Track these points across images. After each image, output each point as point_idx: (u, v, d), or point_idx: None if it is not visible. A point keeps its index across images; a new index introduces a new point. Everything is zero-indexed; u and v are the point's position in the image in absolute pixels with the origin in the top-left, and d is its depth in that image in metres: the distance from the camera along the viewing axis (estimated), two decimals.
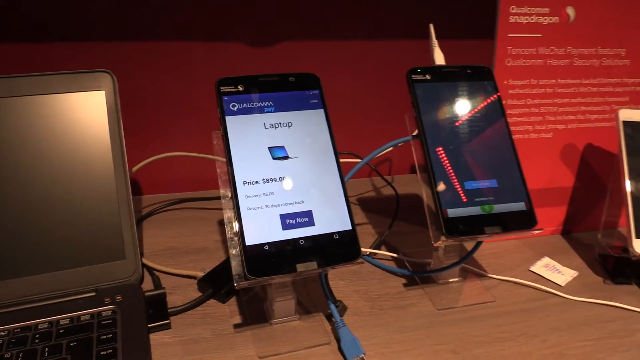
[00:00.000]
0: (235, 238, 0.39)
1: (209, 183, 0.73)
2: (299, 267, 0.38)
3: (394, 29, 0.74)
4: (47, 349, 0.41)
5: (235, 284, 0.38)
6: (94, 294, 0.48)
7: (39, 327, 0.43)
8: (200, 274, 0.52)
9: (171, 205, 0.68)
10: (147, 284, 0.52)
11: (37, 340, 0.42)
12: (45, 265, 0.47)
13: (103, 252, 0.49)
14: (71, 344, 0.42)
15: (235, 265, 0.39)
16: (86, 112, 0.51)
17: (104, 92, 0.52)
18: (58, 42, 0.63)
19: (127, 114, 0.54)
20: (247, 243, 0.38)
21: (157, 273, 0.53)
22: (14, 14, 0.61)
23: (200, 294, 0.50)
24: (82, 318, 0.45)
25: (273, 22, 0.69)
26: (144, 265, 0.53)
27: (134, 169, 0.62)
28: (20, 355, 0.41)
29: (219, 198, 0.68)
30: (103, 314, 0.45)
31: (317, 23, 0.71)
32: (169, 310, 0.47)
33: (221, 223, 0.64)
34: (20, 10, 0.61)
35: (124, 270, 0.49)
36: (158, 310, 0.47)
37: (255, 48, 0.70)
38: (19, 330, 0.43)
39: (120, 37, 0.65)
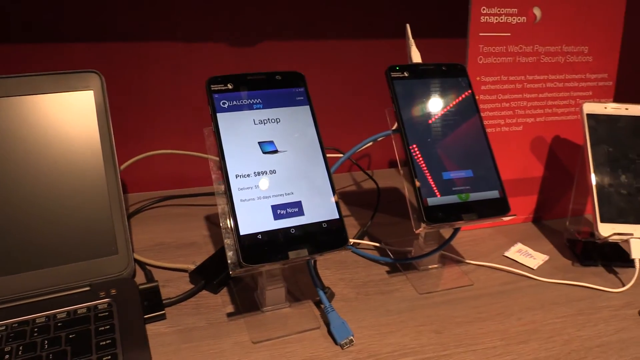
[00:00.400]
0: (230, 228, 0.41)
1: (193, 180, 0.75)
2: (290, 254, 0.41)
3: (372, 29, 0.77)
4: (46, 341, 0.42)
5: (230, 272, 0.41)
6: (88, 288, 0.49)
7: (37, 322, 0.45)
8: (192, 266, 0.53)
9: (157, 202, 0.69)
10: (140, 279, 0.53)
11: (35, 334, 0.43)
12: (39, 262, 0.48)
13: (96, 248, 0.50)
14: (70, 336, 0.43)
15: (231, 255, 0.41)
16: (76, 111, 0.52)
17: (92, 91, 0.54)
18: (45, 43, 0.63)
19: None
20: (242, 233, 0.40)
21: (148, 267, 0.55)
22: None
23: (192, 286, 0.52)
24: (79, 311, 0.46)
25: (254, 23, 0.71)
26: (135, 261, 0.55)
27: (122, 166, 0.63)
28: (21, 348, 0.42)
29: (203, 195, 0.71)
30: (99, 307, 0.47)
31: (297, 24, 0.73)
32: (163, 302, 0.48)
33: (208, 218, 0.66)
34: (6, 11, 0.61)
35: (117, 264, 0.51)
36: (153, 301, 0.49)
37: (237, 48, 0.71)
38: (16, 325, 0.44)
39: (105, 39, 0.66)
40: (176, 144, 0.72)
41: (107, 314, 0.46)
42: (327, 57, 0.76)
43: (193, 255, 0.57)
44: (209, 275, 0.52)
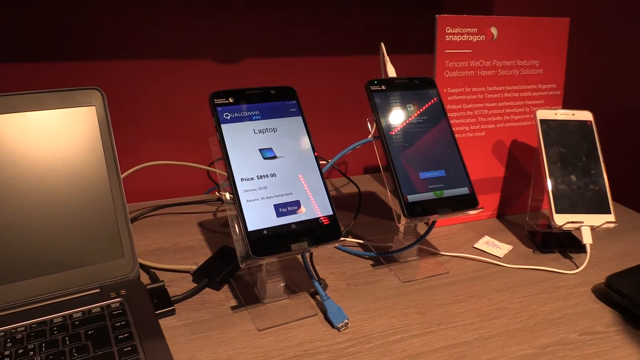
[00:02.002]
0: (238, 226, 0.46)
1: (181, 190, 0.79)
2: (293, 246, 0.46)
3: (349, 47, 0.84)
4: (67, 338, 0.46)
5: (240, 265, 0.45)
6: (98, 290, 0.52)
7: (55, 321, 0.48)
8: (194, 267, 0.58)
9: (151, 211, 0.73)
10: (144, 281, 0.57)
11: (55, 332, 0.46)
12: (52, 267, 0.52)
13: (104, 253, 0.54)
14: (89, 332, 0.46)
15: (240, 249, 0.46)
16: (80, 125, 0.56)
17: (94, 107, 0.57)
18: (48, 62, 0.67)
19: None
20: (249, 229, 0.45)
21: (152, 270, 0.58)
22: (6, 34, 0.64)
23: (194, 285, 0.56)
24: (93, 311, 0.49)
25: (238, 42, 0.76)
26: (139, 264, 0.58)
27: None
28: (43, 345, 0.45)
29: (193, 203, 0.75)
30: (112, 306, 0.50)
31: (278, 43, 0.79)
32: (172, 299, 0.52)
33: (200, 224, 0.70)
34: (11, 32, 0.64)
35: (124, 267, 0.54)
36: (161, 299, 0.53)
37: (223, 65, 0.77)
38: (35, 325, 0.47)
39: (103, 57, 0.70)
40: (166, 156, 0.76)
41: (120, 311, 0.49)
42: (306, 73, 0.82)
43: (191, 257, 0.61)
44: (211, 273, 0.56)
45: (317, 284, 0.53)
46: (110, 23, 0.69)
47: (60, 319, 0.48)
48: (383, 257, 0.62)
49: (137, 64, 0.72)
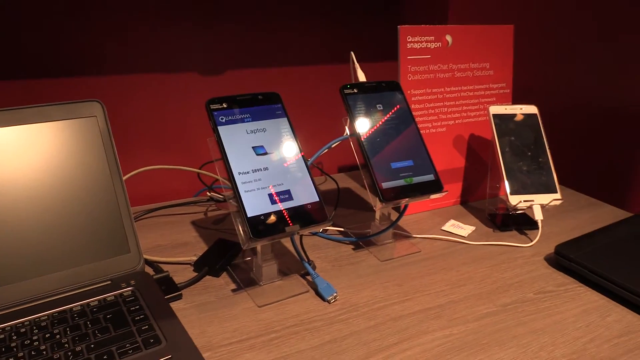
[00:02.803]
0: (238, 213, 0.53)
1: (171, 194, 0.84)
2: (287, 229, 0.53)
3: (323, 57, 0.92)
4: (88, 322, 0.51)
5: (242, 246, 0.52)
6: (109, 282, 0.58)
7: (74, 310, 0.53)
8: (194, 258, 0.64)
9: (146, 214, 0.78)
10: (150, 273, 0.62)
11: (76, 318, 0.52)
12: (66, 264, 0.57)
13: (112, 248, 0.59)
14: (107, 316, 0.52)
15: (241, 232, 0.52)
16: (84, 135, 0.62)
17: (96, 117, 0.63)
18: (51, 78, 0.72)
19: None
20: (249, 215, 0.52)
21: (155, 263, 0.64)
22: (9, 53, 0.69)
23: (195, 274, 0.62)
24: (108, 299, 0.55)
25: (221, 55, 0.83)
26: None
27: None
28: (68, 329, 0.50)
29: (185, 204, 0.81)
30: (124, 294, 0.56)
31: (256, 55, 0.86)
32: (178, 285, 0.58)
33: (194, 222, 0.76)
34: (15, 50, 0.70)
35: (131, 261, 0.60)
36: (168, 286, 0.58)
37: (208, 76, 0.83)
38: (57, 314, 0.52)
39: (98, 73, 0.75)
40: (156, 162, 0.81)
41: (133, 298, 0.55)
42: (284, 81, 0.90)
43: (189, 251, 0.67)
44: (210, 262, 0.62)
45: (307, 264, 0.60)
46: (106, 44, 0.75)
47: (79, 307, 0.53)
48: (362, 241, 0.70)
49: (129, 78, 0.78)
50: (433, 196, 0.65)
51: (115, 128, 0.74)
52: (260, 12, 0.85)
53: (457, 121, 0.82)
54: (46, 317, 0.52)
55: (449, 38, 0.78)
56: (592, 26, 1.07)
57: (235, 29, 0.84)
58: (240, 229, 0.53)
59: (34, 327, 0.50)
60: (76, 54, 0.74)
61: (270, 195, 0.54)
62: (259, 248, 0.58)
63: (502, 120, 0.77)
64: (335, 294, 0.57)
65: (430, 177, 0.66)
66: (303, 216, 0.55)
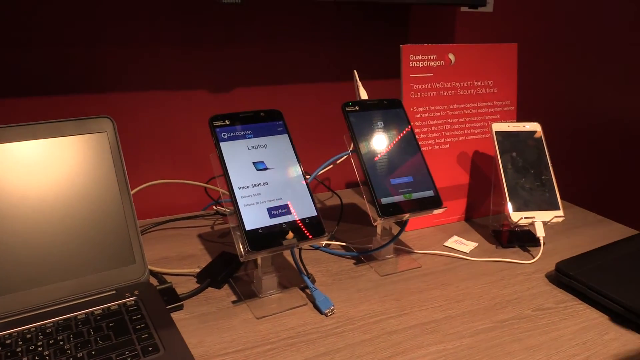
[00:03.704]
0: (237, 226, 0.54)
1: (178, 208, 0.87)
2: (284, 242, 0.54)
3: (327, 75, 0.94)
4: (91, 330, 0.53)
5: (240, 259, 0.53)
6: (114, 292, 0.59)
7: (78, 317, 0.55)
8: (197, 269, 0.65)
9: (153, 227, 0.80)
10: (154, 284, 0.64)
11: (80, 326, 0.54)
12: (73, 273, 0.59)
13: (118, 259, 0.61)
14: (110, 324, 0.54)
15: (240, 246, 0.54)
16: (94, 149, 0.64)
17: (106, 133, 0.66)
18: (63, 95, 0.76)
19: None
20: (247, 228, 0.54)
21: (160, 274, 0.66)
22: (21, 73, 0.73)
23: (198, 285, 0.63)
24: (112, 308, 0.57)
25: (228, 73, 0.86)
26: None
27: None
28: (71, 336, 0.52)
29: (193, 218, 0.83)
30: (128, 303, 0.57)
31: (265, 73, 0.89)
32: (180, 296, 0.60)
33: (200, 236, 0.78)
34: (25, 68, 0.73)
35: (136, 272, 0.62)
36: (170, 297, 0.60)
37: (216, 94, 0.86)
38: (62, 321, 0.54)
39: (110, 90, 0.79)
40: (166, 177, 0.84)
41: (135, 307, 0.57)
42: (290, 99, 0.92)
43: (194, 263, 0.69)
44: (213, 274, 0.64)
45: (305, 277, 0.61)
46: (118, 62, 0.78)
47: (83, 316, 0.55)
48: (364, 255, 0.71)
49: (139, 95, 0.81)
50: (432, 212, 0.66)
51: (125, 143, 0.77)
52: (267, 33, 0.88)
53: (460, 138, 0.83)
54: (52, 324, 0.54)
55: (451, 56, 0.79)
56: (599, 42, 1.07)
57: (243, 49, 0.86)
58: (239, 241, 0.55)
59: (39, 334, 0.52)
60: (88, 72, 0.78)
61: (269, 210, 0.56)
62: (259, 261, 0.60)
63: (505, 137, 0.77)
64: (332, 307, 0.58)
65: (429, 193, 0.67)
66: (301, 230, 0.56)
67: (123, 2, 0.77)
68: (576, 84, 1.12)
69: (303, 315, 0.58)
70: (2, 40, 0.73)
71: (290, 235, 0.55)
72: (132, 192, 0.73)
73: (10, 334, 0.52)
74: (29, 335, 0.52)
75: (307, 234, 0.56)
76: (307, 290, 0.62)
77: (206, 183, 0.79)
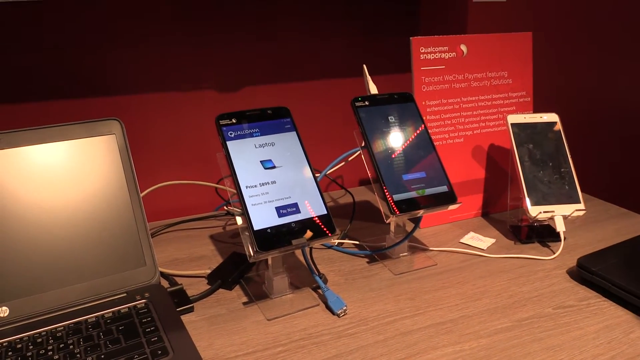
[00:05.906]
0: (245, 226, 0.53)
1: (190, 209, 0.86)
2: (293, 242, 0.53)
3: (337, 71, 0.92)
4: (101, 333, 0.52)
5: (249, 259, 0.52)
6: (125, 294, 0.59)
7: (89, 321, 0.54)
8: (208, 271, 0.64)
9: (164, 228, 0.80)
10: (165, 286, 0.63)
11: (90, 329, 0.53)
12: (84, 276, 0.58)
13: (128, 262, 0.61)
14: (120, 327, 0.53)
15: (248, 246, 0.53)
16: (103, 152, 0.64)
17: (115, 135, 0.65)
18: (72, 99, 0.76)
19: None
20: (255, 228, 0.52)
21: (171, 277, 0.65)
22: (31, 77, 0.73)
23: (209, 287, 0.63)
24: (122, 311, 0.56)
25: (235, 73, 0.85)
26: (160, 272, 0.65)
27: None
28: (81, 340, 0.52)
29: (204, 219, 0.82)
30: (138, 306, 0.57)
31: (273, 71, 0.88)
32: (190, 298, 0.59)
33: (211, 237, 0.77)
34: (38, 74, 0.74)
35: (146, 274, 0.61)
36: (181, 299, 0.59)
37: (223, 93, 0.85)
38: (73, 324, 0.54)
39: (120, 93, 0.79)
40: (176, 178, 0.84)
41: (146, 310, 0.56)
42: (299, 95, 0.91)
43: (205, 264, 0.68)
44: (224, 276, 0.63)
45: (317, 277, 0.60)
46: (125, 64, 0.78)
47: (94, 319, 0.55)
48: (377, 254, 0.69)
49: (148, 96, 0.80)
50: (446, 208, 0.64)
51: (134, 145, 0.76)
52: (274, 29, 0.86)
53: (475, 131, 0.80)
54: (62, 327, 0.54)
55: (463, 48, 0.77)
56: (620, 28, 1.03)
57: (251, 48, 0.85)
58: (248, 242, 0.54)
59: (50, 338, 0.52)
60: (95, 75, 0.77)
61: (278, 209, 0.55)
62: (270, 261, 0.59)
63: (521, 129, 0.75)
64: (344, 308, 0.57)
65: (443, 188, 0.65)
66: (310, 229, 0.55)
67: (129, 3, 0.77)
68: (596, 72, 1.09)
69: (315, 316, 0.57)
70: (12, 45, 0.73)
71: (300, 234, 0.54)
72: (142, 194, 0.73)
73: (21, 339, 0.51)
74: (39, 340, 0.51)
75: (317, 233, 0.55)
76: (319, 291, 0.60)
77: (216, 183, 0.78)
